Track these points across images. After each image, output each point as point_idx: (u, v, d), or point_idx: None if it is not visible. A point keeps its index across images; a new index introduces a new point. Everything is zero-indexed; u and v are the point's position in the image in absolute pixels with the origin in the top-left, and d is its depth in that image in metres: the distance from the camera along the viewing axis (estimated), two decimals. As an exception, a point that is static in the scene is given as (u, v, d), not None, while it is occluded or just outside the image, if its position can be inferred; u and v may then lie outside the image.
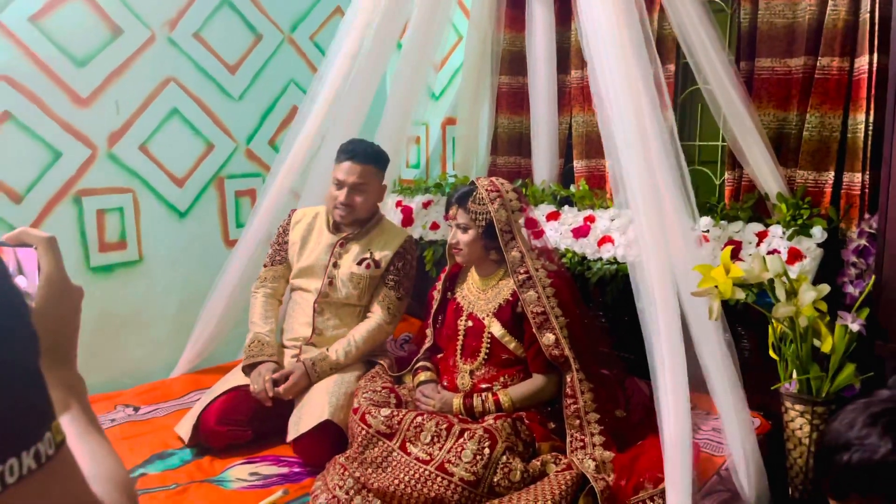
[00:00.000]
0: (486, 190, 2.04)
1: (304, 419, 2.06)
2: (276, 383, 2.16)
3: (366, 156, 2.30)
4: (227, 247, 2.97)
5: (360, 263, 2.33)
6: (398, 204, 3.07)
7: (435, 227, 2.89)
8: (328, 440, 2.02)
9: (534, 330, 1.97)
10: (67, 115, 2.54)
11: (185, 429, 2.15)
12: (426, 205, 2.99)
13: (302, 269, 2.38)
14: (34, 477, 0.43)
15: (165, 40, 2.75)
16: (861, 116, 1.93)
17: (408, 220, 2.99)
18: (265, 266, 2.47)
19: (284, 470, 2.03)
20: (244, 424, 2.14)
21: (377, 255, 2.35)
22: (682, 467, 1.64)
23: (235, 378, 2.25)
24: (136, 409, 2.39)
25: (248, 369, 2.25)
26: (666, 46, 2.36)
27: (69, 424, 0.58)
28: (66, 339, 0.65)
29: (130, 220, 2.74)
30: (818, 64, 2.00)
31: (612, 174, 1.85)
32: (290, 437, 2.05)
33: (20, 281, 0.63)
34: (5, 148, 2.41)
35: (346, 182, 2.28)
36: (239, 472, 2.01)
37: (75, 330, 0.66)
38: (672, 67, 2.37)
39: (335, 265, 2.34)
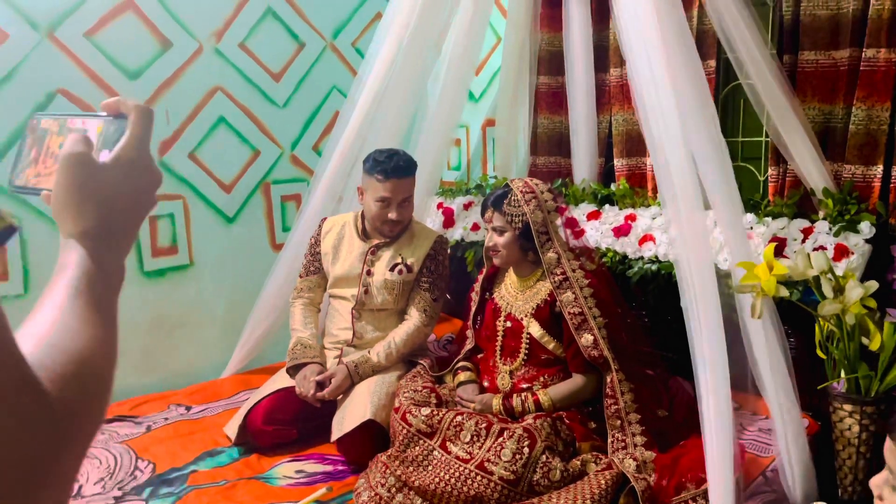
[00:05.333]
0: (521, 191, 2.05)
1: (347, 419, 2.10)
2: (320, 385, 2.21)
3: (408, 169, 2.32)
4: (274, 250, 3.04)
5: (392, 269, 2.36)
6: (439, 206, 3.10)
7: (476, 228, 2.90)
8: (371, 439, 2.05)
9: (572, 331, 1.97)
10: (120, 125, 2.63)
11: (232, 428, 2.21)
12: (467, 206, 3.01)
13: (337, 279, 2.42)
14: None
15: (212, 51, 2.84)
16: (911, 108, 1.88)
17: (449, 221, 3.02)
18: (301, 277, 2.51)
19: (329, 468, 2.08)
20: (289, 424, 2.20)
21: (409, 260, 2.37)
22: (724, 468, 1.62)
23: (281, 380, 2.31)
24: (188, 409, 2.47)
25: (292, 371, 2.30)
26: (706, 42, 2.33)
27: (66, 290, 0.53)
28: (121, 218, 0.60)
29: (181, 225, 2.83)
30: (864, 55, 1.95)
31: (656, 171, 1.83)
32: (334, 436, 2.09)
33: (102, 155, 0.60)
34: (63, 159, 2.52)
35: (396, 199, 2.30)
36: (285, 470, 2.07)
37: (136, 214, 0.61)
38: (713, 63, 2.34)
39: (368, 273, 2.37)
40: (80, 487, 1.95)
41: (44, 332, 0.49)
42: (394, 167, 2.28)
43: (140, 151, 0.61)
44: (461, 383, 2.15)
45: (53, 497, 0.44)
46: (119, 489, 1.95)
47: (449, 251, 2.50)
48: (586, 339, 1.95)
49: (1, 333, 0.42)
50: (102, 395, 0.50)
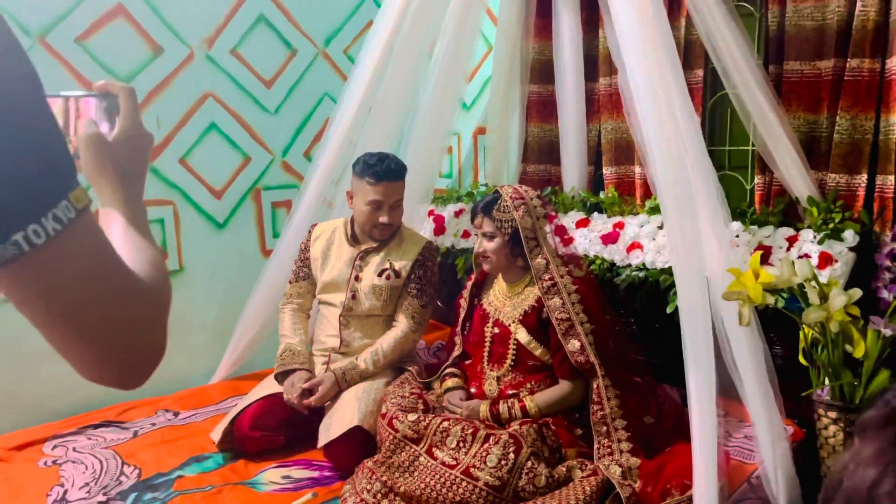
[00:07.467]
0: (511, 198, 2.06)
1: (334, 425, 2.10)
2: (308, 392, 2.21)
3: (399, 172, 2.32)
4: (265, 256, 3.04)
5: (380, 275, 2.36)
6: (430, 213, 3.11)
7: (466, 235, 2.91)
8: (357, 445, 2.05)
9: (559, 336, 1.98)
10: (111, 131, 2.64)
11: (217, 434, 2.20)
12: (458, 213, 3.02)
13: (326, 284, 2.42)
14: (58, 238, 0.55)
15: (204, 57, 2.84)
16: (894, 118, 1.90)
17: (440, 228, 3.03)
18: (290, 283, 2.51)
19: (315, 474, 2.07)
20: (276, 430, 2.19)
21: (397, 265, 2.37)
22: (707, 470, 1.63)
23: (269, 386, 2.31)
24: (176, 414, 2.47)
25: (280, 377, 2.30)
26: (694, 52, 2.36)
27: (119, 223, 0.74)
28: (133, 172, 0.79)
29: (171, 231, 2.83)
30: (848, 66, 1.97)
31: (649, 179, 1.85)
32: (321, 442, 2.09)
33: (104, 127, 0.80)
34: (53, 163, 2.52)
35: (387, 202, 2.30)
36: (271, 476, 2.06)
37: (142, 168, 0.82)
38: (700, 73, 2.36)
39: (357, 278, 2.37)
40: (66, 492, 1.95)
41: (127, 250, 0.69)
42: (385, 170, 2.28)
43: (134, 123, 0.80)
44: (448, 389, 2.16)
45: (158, 339, 0.67)
46: (104, 494, 1.94)
47: (438, 258, 2.51)
48: (573, 344, 1.96)
49: (120, 264, 0.62)
50: (168, 280, 0.72)
